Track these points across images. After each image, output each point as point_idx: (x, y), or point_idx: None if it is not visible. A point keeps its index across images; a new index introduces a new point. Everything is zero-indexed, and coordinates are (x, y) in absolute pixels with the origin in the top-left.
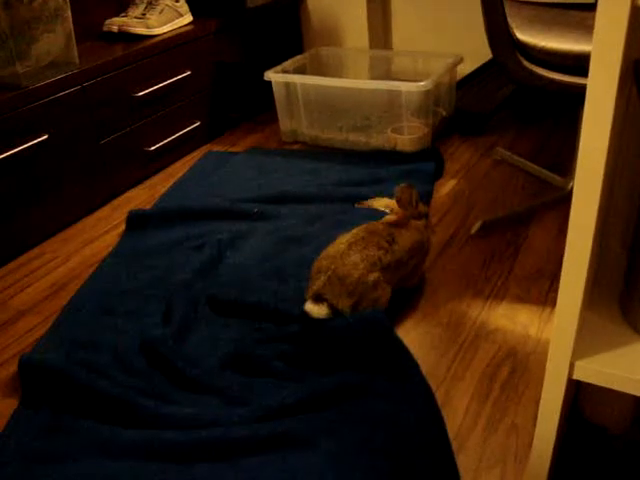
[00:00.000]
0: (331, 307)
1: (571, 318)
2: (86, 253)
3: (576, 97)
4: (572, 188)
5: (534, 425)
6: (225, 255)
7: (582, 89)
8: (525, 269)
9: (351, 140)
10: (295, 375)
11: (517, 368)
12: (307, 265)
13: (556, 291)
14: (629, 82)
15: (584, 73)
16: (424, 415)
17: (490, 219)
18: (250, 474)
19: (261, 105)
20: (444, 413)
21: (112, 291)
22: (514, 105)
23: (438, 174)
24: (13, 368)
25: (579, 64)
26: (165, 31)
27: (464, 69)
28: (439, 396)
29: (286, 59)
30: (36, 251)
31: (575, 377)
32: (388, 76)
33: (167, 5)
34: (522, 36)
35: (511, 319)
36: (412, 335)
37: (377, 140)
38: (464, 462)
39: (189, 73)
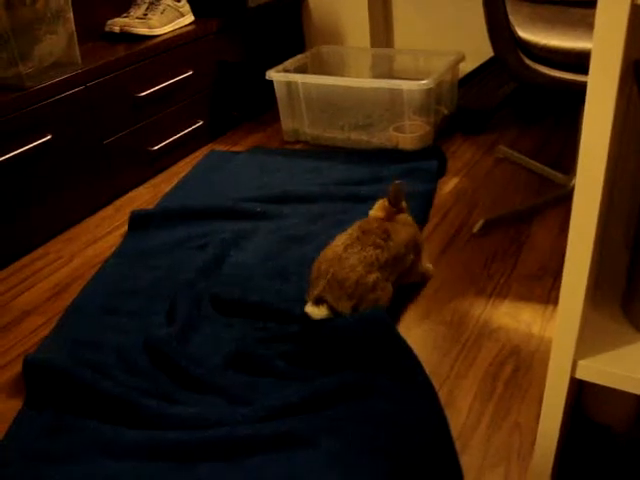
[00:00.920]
0: (331, 309)
1: (573, 317)
2: (89, 253)
3: (577, 95)
4: (574, 186)
5: (537, 423)
6: (228, 254)
7: (583, 87)
8: (528, 267)
9: (353, 139)
10: (298, 374)
11: (520, 366)
12: (309, 264)
13: (559, 289)
14: (629, 81)
15: (585, 71)
16: (427, 414)
17: (492, 217)
18: (254, 474)
19: (263, 104)
20: (447, 412)
21: (115, 291)
22: (516, 103)
23: (440, 172)
24: (17, 369)
25: (580, 62)
26: (167, 31)
27: (466, 67)
28: (442, 395)
29: (288, 58)
30: (39, 251)
31: (578, 376)
32: (390, 75)
33: (168, 5)
34: (523, 34)
35: (514, 317)
36: (415, 334)
37: (379, 139)
38: (468, 461)
39: (191, 73)
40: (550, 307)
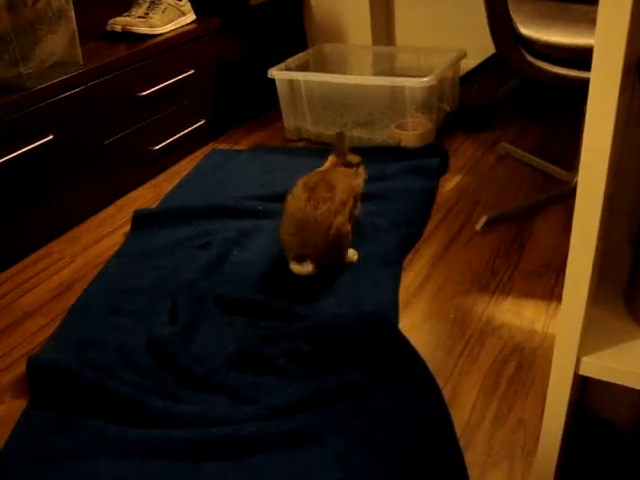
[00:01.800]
0: (315, 263)
1: (577, 314)
2: (92, 253)
3: (580, 91)
4: (577, 183)
5: (541, 420)
6: (231, 253)
7: (586, 83)
8: (531, 264)
9: (355, 136)
10: (301, 373)
11: (524, 363)
12: None
13: (562, 286)
14: (632, 78)
15: (587, 67)
16: (431, 411)
17: (495, 214)
18: (258, 472)
19: (265, 103)
20: (451, 409)
21: (118, 291)
22: (518, 100)
23: (442, 170)
24: (21, 369)
25: (582, 58)
26: (168, 30)
27: (467, 64)
28: (446, 392)
29: (289, 56)
30: (42, 252)
31: (581, 373)
32: (391, 72)
33: (170, 4)
34: (525, 30)
35: (517, 314)
36: (418, 332)
37: (381, 136)
38: (472, 457)
39: (192, 72)
40: (553, 304)
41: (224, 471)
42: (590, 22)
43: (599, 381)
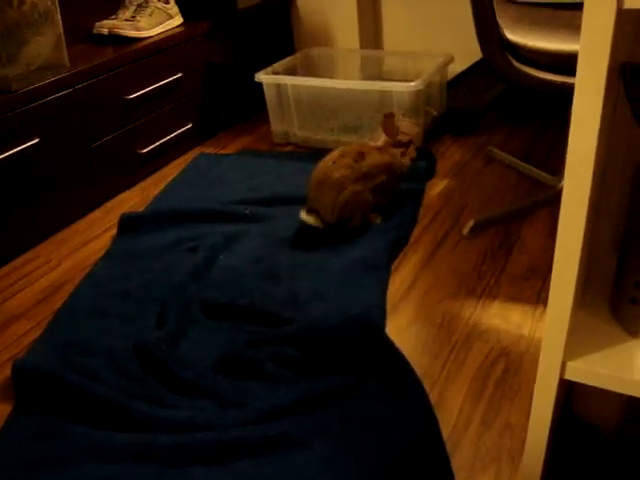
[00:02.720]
0: (320, 218)
1: (562, 319)
2: (79, 256)
3: (566, 97)
4: (562, 187)
5: (528, 423)
6: (218, 257)
7: (571, 89)
8: (517, 268)
9: (343, 141)
10: (288, 377)
11: (510, 367)
12: (300, 266)
13: (548, 290)
14: (617, 83)
15: (573, 73)
16: (417, 415)
17: (482, 218)
18: (245, 477)
19: (252, 107)
20: (438, 413)
21: (105, 294)
22: (505, 105)
23: (430, 174)
24: (6, 373)
25: (568, 64)
26: (155, 33)
27: (455, 69)
28: (433, 396)
29: (277, 60)
30: (29, 255)
31: (567, 377)
32: (379, 76)
33: (157, 7)
34: (511, 36)
35: (504, 318)
36: (405, 336)
37: (369, 140)
38: (458, 461)
39: (180, 75)
40: (540, 308)
41: (210, 476)
42: (576, 28)
43: (584, 385)
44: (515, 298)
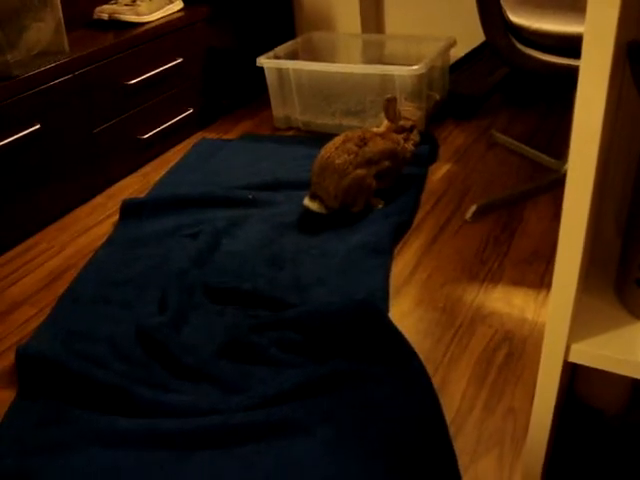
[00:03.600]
0: (323, 204)
1: (566, 301)
2: (81, 242)
3: (570, 79)
4: (566, 171)
5: (531, 407)
6: (221, 242)
7: (575, 71)
8: (520, 252)
9: (344, 125)
10: (291, 362)
11: (514, 351)
12: (303, 251)
13: (551, 274)
14: (622, 64)
15: (577, 55)
16: (421, 400)
17: (485, 203)
18: (249, 461)
19: (254, 91)
20: (441, 397)
21: (108, 280)
22: (508, 88)
23: (432, 158)
24: (10, 360)
25: (572, 46)
26: (156, 18)
27: (457, 52)
28: (436, 381)
29: (278, 45)
30: (31, 241)
31: (571, 360)
32: (381, 60)
33: None
34: (515, 18)
35: (507, 302)
36: (408, 320)
37: (371, 125)
38: (462, 445)
39: (181, 60)
40: (543, 292)
41: (214, 461)
42: (580, 10)
43: (588, 368)
44: (518, 282)
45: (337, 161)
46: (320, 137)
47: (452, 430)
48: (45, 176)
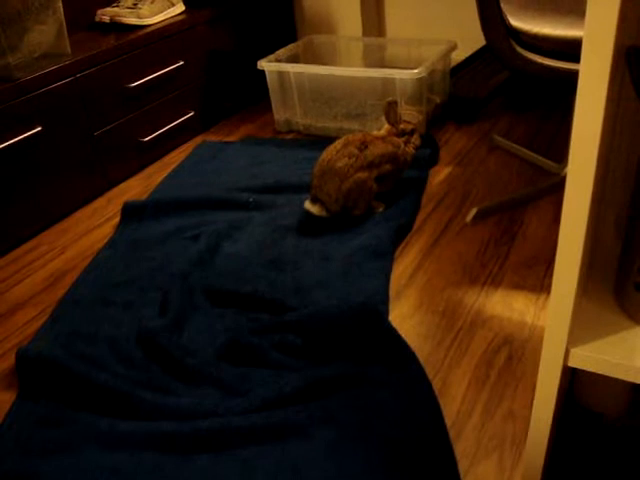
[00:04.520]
0: (324, 208)
1: (566, 305)
2: (82, 244)
3: (569, 83)
4: (566, 174)
5: (531, 411)
6: (221, 245)
7: (575, 75)
8: (521, 256)
9: (345, 128)
10: (291, 365)
11: (514, 355)
12: (303, 254)
13: (551, 277)
14: (622, 68)
15: (577, 59)
16: (421, 403)
17: (485, 206)
18: (249, 464)
19: (255, 94)
20: (441, 400)
21: (108, 282)
22: (508, 92)
23: (433, 161)
24: (11, 361)
25: (572, 50)
26: (157, 21)
27: (458, 56)
28: (436, 384)
29: (279, 48)
30: (32, 243)
31: (570, 364)
32: (382, 64)
33: None
34: (515, 22)
35: (507, 306)
36: (408, 323)
37: (371, 128)
38: (462, 449)
39: (182, 63)
40: (543, 295)
41: (214, 463)
42: (580, 14)
43: (588, 372)
44: (518, 286)
45: (338, 164)
46: (321, 140)
47: (452, 433)
48: (46, 178)
